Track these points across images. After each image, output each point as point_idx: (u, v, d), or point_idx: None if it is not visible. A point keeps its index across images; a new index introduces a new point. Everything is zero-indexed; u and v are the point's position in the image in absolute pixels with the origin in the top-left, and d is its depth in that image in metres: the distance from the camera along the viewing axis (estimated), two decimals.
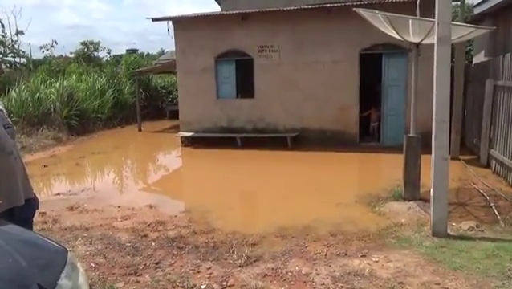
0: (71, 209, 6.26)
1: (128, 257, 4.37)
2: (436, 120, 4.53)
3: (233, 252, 4.37)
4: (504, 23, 9.63)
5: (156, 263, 4.18)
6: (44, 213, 5.98)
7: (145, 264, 4.16)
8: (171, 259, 4.28)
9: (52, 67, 20.61)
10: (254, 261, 4.14)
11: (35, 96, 13.91)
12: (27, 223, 2.70)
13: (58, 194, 7.26)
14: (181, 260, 4.25)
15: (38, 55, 31.33)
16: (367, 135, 11.26)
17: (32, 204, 2.76)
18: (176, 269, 4.02)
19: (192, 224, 5.46)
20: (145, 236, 5.01)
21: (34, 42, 40.55)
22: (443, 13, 4.40)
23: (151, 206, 6.33)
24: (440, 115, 4.51)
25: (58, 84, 14.91)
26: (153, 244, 4.72)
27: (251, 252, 4.37)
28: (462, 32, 6.14)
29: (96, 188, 7.89)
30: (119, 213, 6.00)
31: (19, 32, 21.79)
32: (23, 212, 2.58)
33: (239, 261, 4.12)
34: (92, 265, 4.16)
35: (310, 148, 10.44)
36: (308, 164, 9.34)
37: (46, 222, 5.58)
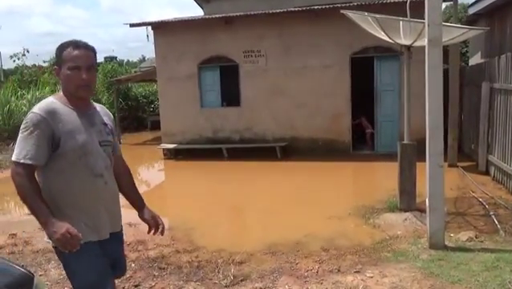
0: None
1: None
2: (430, 126, 4.59)
3: (218, 272, 4.34)
4: (500, 23, 9.83)
5: (136, 286, 4.14)
6: (15, 234, 5.89)
7: (124, 287, 4.11)
8: (152, 281, 4.23)
9: (24, 77, 20.46)
10: (241, 280, 4.12)
11: (5, 109, 13.80)
12: (118, 262, 2.55)
13: (30, 214, 7.14)
14: (163, 282, 4.21)
15: (8, 65, 31.11)
16: (360, 143, 11.34)
17: (120, 237, 2.56)
18: None
19: (174, 242, 5.41)
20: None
21: (4, 52, 40.32)
22: (433, 14, 4.48)
23: (130, 224, 6.21)
24: (434, 120, 4.57)
25: (30, 96, 14.85)
26: (133, 265, 4.67)
27: (238, 271, 4.35)
28: (455, 33, 6.26)
29: None
30: None
31: None
32: (110, 248, 2.38)
33: (225, 281, 4.09)
34: None
35: (301, 158, 10.47)
36: (299, 176, 9.36)
37: (16, 245, 5.48)
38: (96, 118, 2.37)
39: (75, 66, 2.21)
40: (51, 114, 2.16)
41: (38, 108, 2.18)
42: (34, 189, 2.13)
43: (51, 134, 2.14)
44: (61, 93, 2.32)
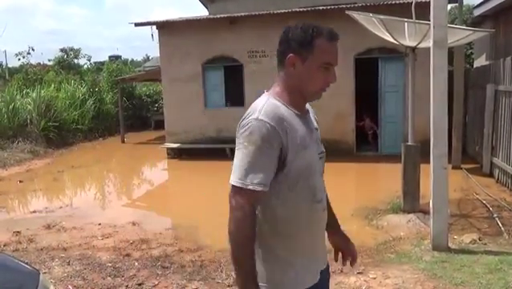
0: (48, 227, 6.20)
1: (109, 278, 4.33)
2: (435, 128, 4.58)
3: (221, 271, 4.36)
4: (505, 25, 9.80)
5: (139, 284, 4.16)
6: (19, 232, 5.94)
7: (127, 286, 4.13)
8: (155, 280, 4.25)
9: (29, 75, 20.56)
10: None
11: (10, 107, 13.85)
12: None
13: (34, 212, 7.19)
14: (166, 281, 4.23)
15: (13, 63, 31.28)
16: (364, 144, 11.34)
17: (327, 275, 1.92)
18: None
19: (178, 242, 5.44)
20: (127, 255, 4.98)
21: (9, 50, 40.52)
22: (438, 15, 4.48)
23: (134, 223, 6.30)
24: (438, 121, 4.57)
25: (35, 94, 14.86)
26: (136, 264, 4.69)
27: None
28: (460, 35, 6.26)
29: (75, 204, 7.83)
30: (99, 232, 5.96)
31: None
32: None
33: (228, 280, 4.11)
34: (70, 287, 4.12)
35: None
36: None
37: (20, 242, 5.52)
38: (311, 122, 1.82)
39: (329, 62, 1.68)
40: (280, 122, 1.60)
41: (264, 114, 1.60)
42: (252, 237, 1.59)
43: (280, 150, 1.60)
44: (278, 89, 1.76)
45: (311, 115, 1.85)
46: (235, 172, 1.59)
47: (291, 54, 1.67)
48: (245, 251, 1.56)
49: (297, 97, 1.72)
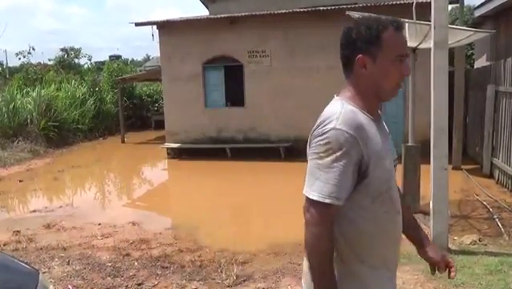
0: (48, 227, 6.20)
1: (109, 278, 4.33)
2: (435, 128, 4.58)
3: (221, 271, 4.35)
4: (506, 26, 9.80)
5: (139, 284, 4.15)
6: (18, 231, 5.94)
7: (127, 285, 4.13)
8: (154, 280, 4.25)
9: (29, 74, 20.54)
10: (244, 280, 4.13)
11: (10, 106, 13.85)
12: None
13: (34, 211, 7.19)
14: (166, 281, 4.22)
15: (14, 62, 31.30)
16: None
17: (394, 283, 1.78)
18: None
19: (177, 242, 5.43)
20: (127, 255, 4.97)
21: (10, 49, 40.45)
22: (439, 16, 4.47)
23: (134, 223, 6.30)
24: (439, 122, 4.56)
25: (35, 93, 14.86)
26: (136, 264, 4.69)
27: (241, 271, 4.36)
28: (461, 36, 6.25)
29: (75, 204, 7.83)
30: (99, 231, 5.96)
31: None
32: None
33: (228, 281, 4.10)
34: (70, 287, 4.12)
35: (305, 159, 10.38)
36: (302, 177, 9.22)
37: (20, 242, 5.52)
38: (385, 128, 1.71)
39: (401, 54, 1.57)
40: (359, 130, 1.48)
41: (342, 122, 1.47)
42: (331, 253, 1.49)
43: (359, 161, 1.48)
44: (349, 94, 1.62)
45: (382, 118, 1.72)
46: (311, 184, 1.49)
47: (360, 55, 1.56)
48: (325, 268, 1.47)
49: (371, 101, 1.61)
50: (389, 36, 1.53)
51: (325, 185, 1.45)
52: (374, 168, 1.49)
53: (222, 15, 11.48)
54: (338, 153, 1.44)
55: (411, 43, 5.99)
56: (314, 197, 1.46)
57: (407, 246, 4.76)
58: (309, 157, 1.54)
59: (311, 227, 1.47)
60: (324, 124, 1.50)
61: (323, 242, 1.46)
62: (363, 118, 1.53)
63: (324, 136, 1.47)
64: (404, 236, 1.77)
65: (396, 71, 1.56)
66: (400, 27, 1.57)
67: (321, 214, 1.45)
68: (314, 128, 1.53)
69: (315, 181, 1.48)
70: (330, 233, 1.47)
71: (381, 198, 1.54)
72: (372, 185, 1.51)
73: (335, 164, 1.44)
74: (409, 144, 6.14)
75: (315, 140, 1.50)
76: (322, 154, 1.47)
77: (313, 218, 1.46)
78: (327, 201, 1.43)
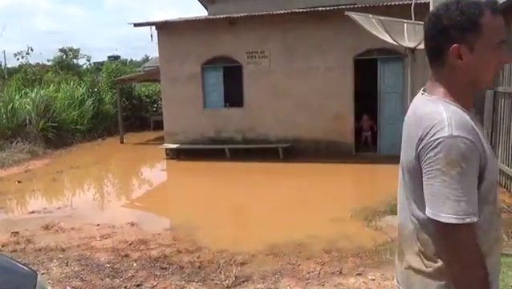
0: (47, 228, 6.19)
1: (108, 279, 4.32)
2: None
3: (220, 272, 4.35)
4: (505, 26, 9.81)
5: (138, 286, 4.15)
6: (17, 232, 5.92)
7: (126, 286, 4.12)
8: (153, 281, 4.24)
9: (28, 75, 20.55)
10: (243, 281, 4.12)
11: (9, 107, 13.84)
12: None
13: (33, 212, 7.17)
14: (164, 282, 4.22)
15: (12, 63, 31.25)
16: (363, 144, 11.36)
17: None
18: None
19: (176, 242, 5.43)
20: (126, 256, 4.97)
21: (8, 50, 40.45)
22: None
23: (133, 224, 6.29)
24: None
25: (34, 94, 14.84)
26: (135, 265, 4.68)
27: (240, 272, 4.35)
28: None
29: (74, 205, 7.81)
30: (98, 232, 5.95)
31: None
32: None
33: (227, 281, 4.10)
34: (68, 288, 4.11)
35: (303, 160, 10.47)
36: (301, 177, 9.36)
37: (18, 243, 5.51)
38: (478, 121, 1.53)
39: (503, 39, 1.40)
40: (473, 133, 1.31)
41: (456, 128, 1.29)
42: (487, 272, 1.32)
43: (479, 166, 1.32)
44: (442, 89, 1.46)
45: None
46: (441, 205, 1.28)
47: (455, 45, 1.37)
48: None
49: (467, 94, 1.46)
50: (488, 21, 1.37)
51: (459, 203, 1.26)
52: (489, 172, 1.36)
53: (221, 16, 11.48)
54: (462, 164, 1.26)
55: (410, 44, 6.00)
56: (451, 220, 1.26)
57: None
58: (427, 175, 1.33)
59: (461, 254, 1.29)
60: (433, 131, 1.31)
61: (479, 265, 1.30)
62: (468, 118, 1.36)
63: (441, 146, 1.28)
64: None
65: (496, 58, 1.41)
66: (497, 9, 1.42)
67: (467, 237, 1.28)
68: (422, 137, 1.35)
69: (446, 200, 1.27)
70: (479, 251, 1.31)
71: (489, 203, 1.40)
72: (485, 190, 1.36)
73: (462, 177, 1.26)
74: None
75: (430, 153, 1.31)
76: (444, 169, 1.27)
77: (459, 244, 1.28)
78: (467, 220, 1.26)
